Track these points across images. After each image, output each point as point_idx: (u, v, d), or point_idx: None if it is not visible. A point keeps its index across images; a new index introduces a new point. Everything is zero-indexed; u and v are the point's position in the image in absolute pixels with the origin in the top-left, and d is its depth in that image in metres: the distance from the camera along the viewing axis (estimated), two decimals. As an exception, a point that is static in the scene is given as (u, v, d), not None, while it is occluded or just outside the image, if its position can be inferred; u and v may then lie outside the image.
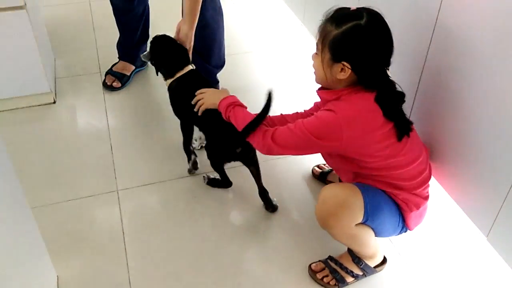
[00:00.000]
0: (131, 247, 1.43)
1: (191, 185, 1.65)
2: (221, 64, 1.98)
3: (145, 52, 1.65)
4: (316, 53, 1.24)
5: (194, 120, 1.54)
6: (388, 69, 1.20)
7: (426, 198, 1.29)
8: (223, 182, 1.62)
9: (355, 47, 1.15)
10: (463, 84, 1.18)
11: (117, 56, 2.13)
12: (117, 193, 1.61)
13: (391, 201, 1.26)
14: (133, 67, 2.14)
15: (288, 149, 1.25)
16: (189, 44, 1.62)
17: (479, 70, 1.12)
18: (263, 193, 1.55)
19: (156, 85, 2.14)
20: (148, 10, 2.05)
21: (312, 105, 1.45)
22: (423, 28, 1.29)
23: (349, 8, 1.18)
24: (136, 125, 1.90)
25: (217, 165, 1.56)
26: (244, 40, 2.46)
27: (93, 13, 2.60)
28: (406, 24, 1.36)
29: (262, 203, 1.57)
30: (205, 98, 1.44)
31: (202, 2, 1.60)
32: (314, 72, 1.26)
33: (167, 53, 1.58)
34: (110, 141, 1.81)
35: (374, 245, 1.33)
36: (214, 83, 1.98)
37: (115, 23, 2.05)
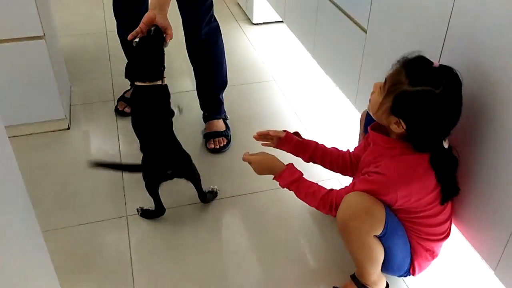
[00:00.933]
0: (138, 273, 1.44)
1: (198, 211, 1.66)
2: (224, 84, 2.01)
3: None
4: (380, 87, 1.19)
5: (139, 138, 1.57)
6: (445, 140, 1.16)
7: (438, 254, 1.30)
8: (156, 210, 1.61)
9: (419, 113, 1.11)
10: (475, 122, 1.20)
11: (129, 83, 2.19)
12: (126, 218, 1.63)
13: (407, 239, 1.27)
14: (146, 95, 2.19)
15: None
16: (170, 29, 1.53)
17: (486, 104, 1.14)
18: (203, 196, 1.65)
19: (168, 113, 2.18)
20: None
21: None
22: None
23: (431, 63, 1.12)
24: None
25: (151, 187, 1.56)
26: (259, 70, 2.51)
27: (110, 43, 2.68)
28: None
29: (269, 231, 1.58)
30: (258, 170, 1.41)
31: (199, 23, 1.60)
32: (370, 102, 1.23)
33: (141, 58, 1.51)
34: (121, 167, 1.84)
35: (379, 270, 1.32)
36: (219, 104, 2.00)
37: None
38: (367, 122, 1.51)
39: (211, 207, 1.68)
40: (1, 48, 1.72)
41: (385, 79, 1.18)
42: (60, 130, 2.01)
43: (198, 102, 2.03)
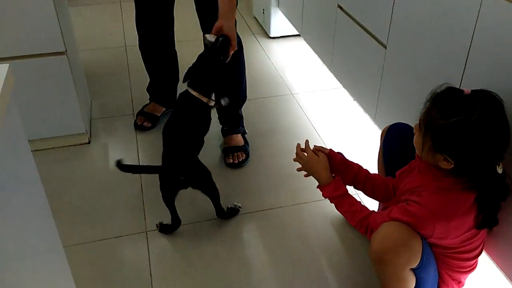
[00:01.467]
0: (158, 289, 1.45)
1: (218, 227, 1.66)
2: (244, 99, 2.02)
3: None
4: (418, 129, 1.15)
5: None
6: (499, 164, 1.08)
7: (464, 284, 1.28)
8: (173, 223, 1.62)
9: (461, 144, 1.05)
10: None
11: (148, 98, 2.21)
12: (146, 234, 1.64)
13: (437, 268, 1.25)
14: (164, 109, 2.21)
15: None
16: (234, 39, 1.57)
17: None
18: (221, 213, 1.64)
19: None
20: (176, 54, 2.12)
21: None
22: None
23: (462, 91, 1.07)
24: (166, 166, 1.94)
25: (167, 195, 1.56)
26: (277, 84, 2.52)
27: (129, 57, 2.72)
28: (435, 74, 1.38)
29: (289, 248, 1.57)
30: (304, 164, 1.41)
31: None
32: (415, 145, 1.18)
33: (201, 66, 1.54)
34: (141, 181, 1.85)
35: None
36: (238, 119, 2.01)
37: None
38: (387, 140, 1.50)
39: (230, 223, 1.67)
40: (25, 63, 1.75)
41: (419, 119, 1.14)
42: (81, 144, 2.03)
43: (216, 115, 2.04)
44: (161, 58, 2.09)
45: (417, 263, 1.17)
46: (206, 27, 1.82)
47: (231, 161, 1.93)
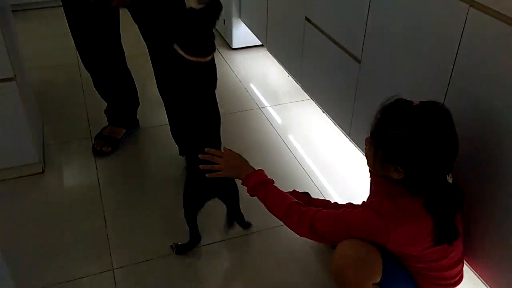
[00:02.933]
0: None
1: (193, 260, 1.54)
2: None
3: None
4: (369, 141, 1.17)
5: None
6: (449, 174, 1.10)
7: None
8: (192, 240, 1.52)
9: (410, 153, 1.07)
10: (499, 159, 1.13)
11: (107, 120, 2.06)
12: (113, 272, 1.50)
13: (413, 284, 1.19)
14: (124, 130, 2.06)
15: (323, 238, 1.21)
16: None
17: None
18: (242, 218, 1.55)
19: (149, 148, 2.06)
20: (129, 73, 1.97)
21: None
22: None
23: (411, 103, 1.09)
24: (131, 193, 1.80)
25: (194, 210, 1.46)
26: (243, 97, 2.42)
27: (83, 74, 2.54)
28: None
29: (270, 277, 1.47)
30: (224, 167, 1.34)
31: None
32: (366, 157, 1.20)
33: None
34: (103, 213, 1.70)
35: None
36: None
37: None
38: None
39: (199, 254, 1.56)
40: (-33, 91, 1.57)
41: (370, 131, 1.16)
42: (34, 175, 1.86)
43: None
44: (112, 79, 1.92)
45: (379, 277, 1.15)
46: (146, 33, 1.69)
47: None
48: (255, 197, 1.32)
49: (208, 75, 1.47)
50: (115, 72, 1.91)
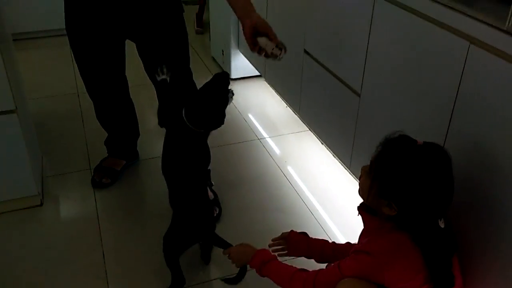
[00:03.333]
0: None
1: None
2: None
3: None
4: (366, 171, 1.16)
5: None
6: (441, 219, 1.10)
7: None
8: (176, 283, 1.50)
9: (408, 193, 1.07)
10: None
11: (107, 151, 2.05)
12: (112, 309, 1.47)
13: None
14: (124, 162, 2.06)
15: None
16: (271, 29, 1.42)
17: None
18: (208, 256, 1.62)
19: (149, 180, 2.05)
20: (131, 104, 1.97)
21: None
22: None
23: (415, 142, 1.08)
24: (130, 227, 1.78)
25: (177, 255, 1.48)
26: (242, 128, 2.42)
27: (82, 104, 2.55)
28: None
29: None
30: (234, 259, 1.39)
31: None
32: (360, 188, 1.19)
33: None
34: (102, 247, 1.68)
35: None
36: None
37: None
38: None
39: (205, 290, 1.54)
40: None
41: (370, 162, 1.15)
42: (32, 207, 1.84)
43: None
44: (115, 108, 1.92)
45: None
46: (150, 69, 1.70)
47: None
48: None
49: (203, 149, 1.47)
50: (118, 101, 1.91)
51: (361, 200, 1.24)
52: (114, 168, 2.02)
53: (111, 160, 2.03)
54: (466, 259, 1.19)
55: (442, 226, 1.10)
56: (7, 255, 1.64)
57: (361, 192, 1.19)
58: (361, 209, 1.22)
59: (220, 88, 1.40)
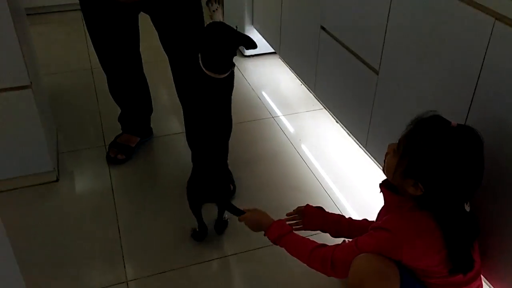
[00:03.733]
0: None
1: (208, 271, 1.53)
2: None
3: None
4: (394, 149, 1.15)
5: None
6: (467, 203, 1.09)
7: None
8: (200, 230, 1.61)
9: (437, 174, 1.06)
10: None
11: (121, 128, 2.05)
12: (127, 284, 1.48)
13: None
14: (138, 139, 2.06)
15: (347, 274, 1.17)
16: None
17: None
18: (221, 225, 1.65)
19: (163, 157, 2.05)
20: (145, 80, 1.97)
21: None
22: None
23: (449, 123, 1.07)
24: (145, 202, 1.79)
25: (194, 207, 1.56)
26: (256, 106, 2.40)
27: (96, 80, 2.54)
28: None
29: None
30: (250, 227, 1.40)
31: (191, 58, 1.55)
32: (385, 163, 1.18)
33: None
34: (117, 222, 1.69)
35: None
36: None
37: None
38: None
39: (213, 267, 1.54)
40: (-16, 99, 1.57)
41: (399, 140, 1.13)
42: (48, 183, 1.85)
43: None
44: (128, 82, 1.92)
45: None
46: (165, 39, 1.71)
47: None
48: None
49: (223, 88, 1.52)
50: (132, 76, 1.91)
51: (382, 178, 1.23)
52: (129, 145, 2.02)
53: (125, 136, 2.03)
54: (485, 244, 1.18)
55: (468, 209, 1.09)
56: (24, 229, 1.66)
57: (386, 170, 1.18)
58: (383, 186, 1.21)
59: (227, 28, 1.48)
